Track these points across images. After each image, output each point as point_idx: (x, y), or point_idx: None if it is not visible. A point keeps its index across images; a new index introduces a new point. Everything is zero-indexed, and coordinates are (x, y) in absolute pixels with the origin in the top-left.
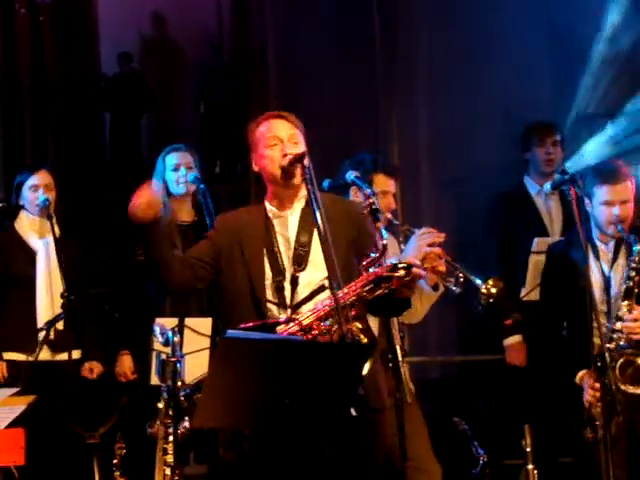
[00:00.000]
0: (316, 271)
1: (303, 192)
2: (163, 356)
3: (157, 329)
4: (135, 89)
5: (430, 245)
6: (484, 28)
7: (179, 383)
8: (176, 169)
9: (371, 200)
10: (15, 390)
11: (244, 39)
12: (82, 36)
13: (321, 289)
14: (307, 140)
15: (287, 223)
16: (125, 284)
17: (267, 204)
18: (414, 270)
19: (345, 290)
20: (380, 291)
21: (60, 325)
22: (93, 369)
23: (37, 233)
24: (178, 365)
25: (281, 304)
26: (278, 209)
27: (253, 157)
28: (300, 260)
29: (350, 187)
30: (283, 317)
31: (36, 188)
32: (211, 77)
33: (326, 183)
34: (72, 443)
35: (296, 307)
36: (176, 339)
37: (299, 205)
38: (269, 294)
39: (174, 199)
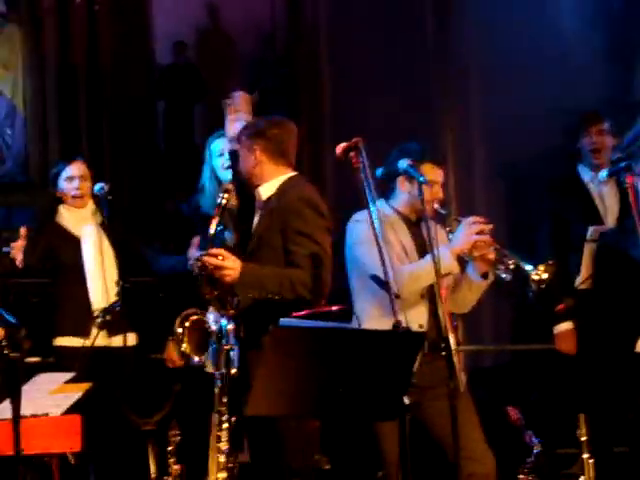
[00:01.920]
0: None
1: None
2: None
3: (211, 317)
4: (189, 78)
5: (479, 233)
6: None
7: (233, 371)
8: (222, 154)
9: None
10: (71, 376)
11: (297, 28)
12: (137, 25)
13: None
14: (355, 129)
15: None
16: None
17: None
18: None
19: None
20: None
21: (117, 311)
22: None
23: (79, 221)
24: (231, 353)
25: None
26: None
27: None
28: None
29: (398, 176)
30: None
31: (72, 179)
32: (263, 66)
33: (379, 171)
34: (127, 430)
35: None
36: (229, 327)
37: None
38: None
39: (223, 184)
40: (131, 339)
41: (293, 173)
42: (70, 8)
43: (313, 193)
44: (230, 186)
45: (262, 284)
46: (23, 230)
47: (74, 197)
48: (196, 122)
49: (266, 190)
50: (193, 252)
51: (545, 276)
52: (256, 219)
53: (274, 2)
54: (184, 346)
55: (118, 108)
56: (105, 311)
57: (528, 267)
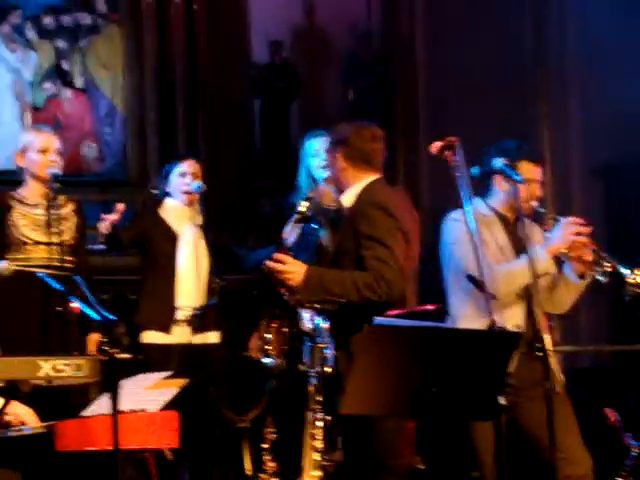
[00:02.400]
0: None
1: None
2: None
3: (306, 315)
4: (285, 77)
5: (577, 234)
6: None
7: (327, 369)
8: (316, 154)
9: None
10: (168, 373)
11: (393, 26)
12: (234, 25)
13: None
14: (451, 127)
15: None
16: None
17: None
18: None
19: None
20: None
21: (210, 308)
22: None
23: (181, 219)
24: (326, 351)
25: None
26: None
27: None
28: None
29: (494, 175)
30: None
31: (184, 175)
32: (359, 64)
33: (475, 170)
34: (223, 427)
35: None
36: (324, 325)
37: None
38: None
39: (318, 185)
40: (215, 336)
41: (375, 177)
42: (169, 8)
43: (385, 195)
44: (312, 194)
45: (326, 288)
46: (121, 206)
47: (184, 193)
48: (291, 121)
49: (348, 196)
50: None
51: None
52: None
53: (370, 0)
54: (269, 348)
55: (215, 107)
56: (201, 309)
57: (625, 271)
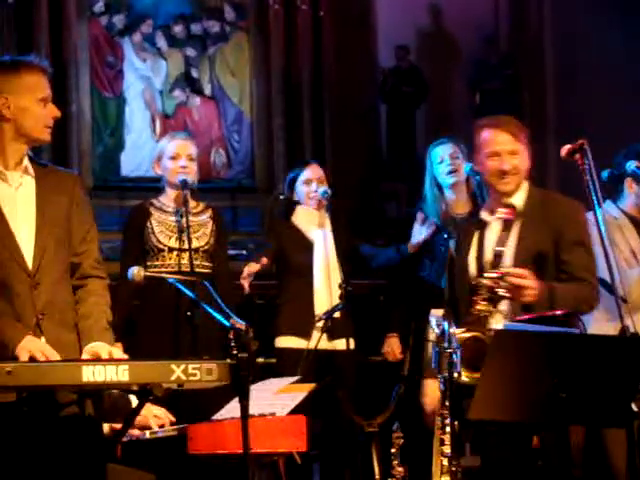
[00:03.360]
0: None
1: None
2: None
3: (433, 320)
4: (411, 82)
5: None
6: None
7: (455, 375)
8: (441, 162)
9: None
10: (296, 378)
11: (521, 28)
12: (360, 30)
13: None
14: (579, 130)
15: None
16: (404, 274)
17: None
18: None
19: None
20: None
21: (337, 314)
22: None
23: (314, 225)
24: (454, 356)
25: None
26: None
27: (475, 157)
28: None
29: (625, 178)
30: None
31: (309, 182)
32: (486, 67)
33: (605, 173)
34: (352, 431)
35: None
36: (452, 330)
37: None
38: None
39: (445, 193)
40: (345, 343)
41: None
42: (296, 15)
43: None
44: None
45: (553, 303)
46: (265, 260)
47: (311, 199)
48: (418, 126)
49: (519, 198)
50: (417, 228)
51: None
52: (515, 230)
53: (497, 2)
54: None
55: (341, 112)
56: (328, 314)
57: None
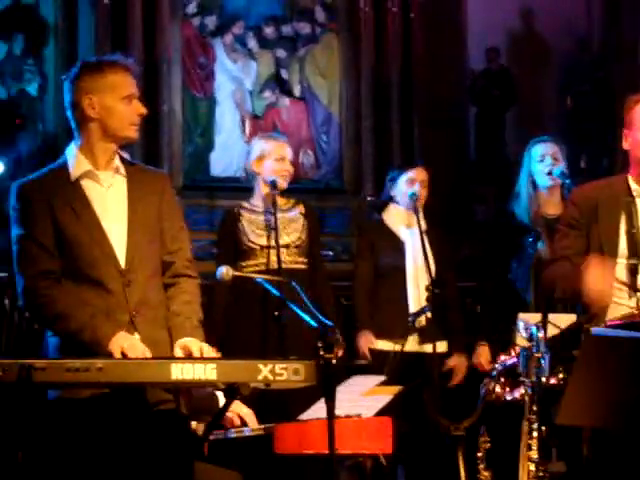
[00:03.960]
0: None
1: None
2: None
3: (521, 324)
4: (501, 84)
5: None
6: None
7: (543, 379)
8: (542, 160)
9: None
10: (382, 379)
11: (614, 31)
12: (450, 32)
13: None
14: None
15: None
16: (492, 277)
17: (631, 180)
18: None
19: None
20: None
21: (428, 318)
22: (459, 369)
23: (405, 225)
24: (542, 361)
25: (631, 286)
26: None
27: (625, 133)
28: None
29: None
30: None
31: (412, 182)
32: (578, 70)
33: None
34: (438, 435)
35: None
36: (540, 334)
37: None
38: (620, 274)
39: (539, 191)
40: (441, 346)
41: None
42: (386, 16)
43: None
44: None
45: None
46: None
47: (408, 199)
48: (507, 129)
49: None
50: None
51: None
52: None
53: (590, 4)
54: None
55: (430, 114)
56: (414, 315)
57: None
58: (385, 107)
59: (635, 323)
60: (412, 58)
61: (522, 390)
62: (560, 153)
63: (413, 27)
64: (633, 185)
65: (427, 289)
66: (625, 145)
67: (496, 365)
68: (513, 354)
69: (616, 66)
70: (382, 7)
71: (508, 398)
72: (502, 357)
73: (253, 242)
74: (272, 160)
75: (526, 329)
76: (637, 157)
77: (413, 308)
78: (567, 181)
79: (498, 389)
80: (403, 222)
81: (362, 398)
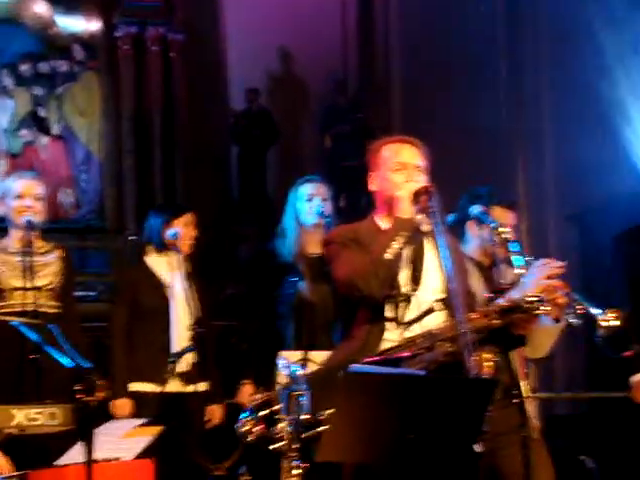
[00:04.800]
0: (427, 293)
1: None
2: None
3: (281, 362)
4: (262, 124)
5: (549, 277)
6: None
7: (303, 417)
8: (310, 199)
9: (500, 230)
10: (143, 421)
11: (369, 74)
12: (211, 72)
13: (430, 311)
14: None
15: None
16: (254, 317)
17: (377, 220)
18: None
19: (467, 317)
20: (502, 322)
21: (191, 357)
22: (215, 416)
23: (166, 267)
24: (301, 398)
25: (395, 320)
26: None
27: (371, 175)
28: (416, 280)
29: (466, 221)
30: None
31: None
32: (336, 111)
33: (451, 218)
34: (198, 475)
35: (407, 325)
36: (300, 372)
37: None
38: (386, 309)
39: (305, 230)
40: (202, 385)
41: None
42: (146, 55)
43: None
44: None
45: None
46: None
47: (184, 244)
48: (269, 169)
49: None
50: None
51: (614, 322)
52: None
53: (346, 48)
54: None
55: (193, 153)
56: (176, 356)
57: (596, 312)
58: (147, 146)
59: (392, 359)
60: (173, 97)
61: (281, 428)
62: (327, 194)
63: (174, 66)
64: (381, 224)
65: (191, 328)
66: (371, 187)
67: (250, 405)
68: (266, 393)
69: (372, 108)
70: (142, 46)
71: (268, 437)
72: (257, 396)
73: (5, 283)
74: (17, 198)
75: (287, 367)
76: (383, 197)
77: (175, 349)
78: (327, 219)
79: (256, 428)
80: (166, 263)
81: (122, 440)
